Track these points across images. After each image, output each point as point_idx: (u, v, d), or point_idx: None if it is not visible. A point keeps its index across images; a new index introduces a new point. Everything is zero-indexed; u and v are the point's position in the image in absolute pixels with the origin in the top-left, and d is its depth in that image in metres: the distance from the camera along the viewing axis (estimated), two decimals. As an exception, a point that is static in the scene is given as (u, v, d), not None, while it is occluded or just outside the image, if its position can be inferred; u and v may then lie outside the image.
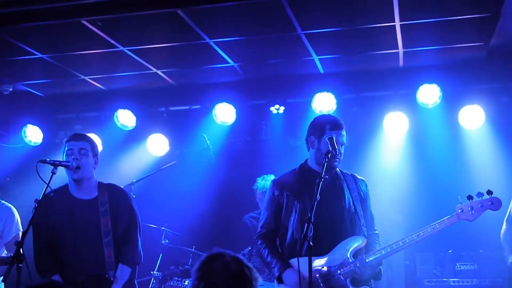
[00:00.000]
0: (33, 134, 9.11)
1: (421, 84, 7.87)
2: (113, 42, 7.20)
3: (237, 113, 8.51)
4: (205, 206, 8.60)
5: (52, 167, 4.98)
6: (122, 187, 5.75)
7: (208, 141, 8.19)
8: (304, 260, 4.30)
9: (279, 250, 5.03)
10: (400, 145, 8.32)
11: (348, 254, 4.80)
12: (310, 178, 4.91)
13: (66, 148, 5.25)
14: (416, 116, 8.11)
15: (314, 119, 5.16)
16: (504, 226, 5.79)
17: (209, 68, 8.19)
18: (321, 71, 8.26)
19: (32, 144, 9.12)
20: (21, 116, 9.09)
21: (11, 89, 8.55)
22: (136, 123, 8.87)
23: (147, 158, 8.97)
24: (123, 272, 5.24)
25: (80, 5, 6.30)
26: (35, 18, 6.53)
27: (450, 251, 7.51)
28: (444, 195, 6.71)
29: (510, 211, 5.77)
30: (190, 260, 7.77)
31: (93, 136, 7.67)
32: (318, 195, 4.39)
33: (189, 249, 7.73)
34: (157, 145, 8.93)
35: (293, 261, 4.80)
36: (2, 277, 5.45)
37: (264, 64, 8.10)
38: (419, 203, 7.95)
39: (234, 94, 8.53)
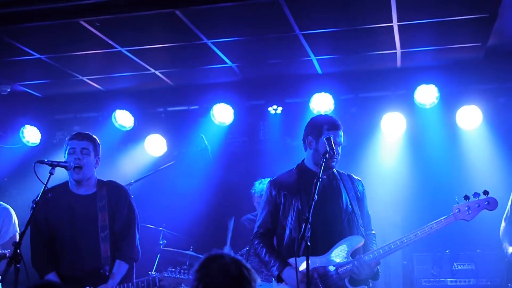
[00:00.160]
0: (31, 135, 9.10)
1: (419, 85, 7.88)
2: (111, 42, 7.20)
3: (235, 113, 8.52)
4: (203, 207, 8.60)
5: (50, 167, 4.99)
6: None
7: (206, 142, 8.18)
8: (302, 260, 4.31)
9: (276, 249, 5.03)
10: (397, 145, 8.33)
11: (346, 254, 4.81)
12: (308, 178, 4.92)
13: (68, 147, 5.25)
14: (414, 117, 8.12)
15: (312, 119, 5.16)
16: (503, 224, 5.81)
17: (207, 68, 8.20)
18: (319, 71, 8.27)
19: (30, 144, 9.11)
20: (19, 116, 9.08)
21: (9, 90, 8.54)
22: (134, 123, 8.87)
23: (145, 158, 8.97)
24: (120, 268, 5.22)
25: (78, 6, 6.31)
26: (33, 19, 6.53)
27: (447, 251, 7.52)
28: (442, 195, 6.73)
29: (508, 210, 5.79)
30: (188, 260, 7.76)
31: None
32: (315, 195, 4.40)
33: (187, 252, 7.72)
34: (155, 145, 8.93)
35: (292, 261, 4.81)
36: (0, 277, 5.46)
37: (262, 64, 8.11)
38: (417, 203, 7.97)
39: (232, 95, 8.53)
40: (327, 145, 4.77)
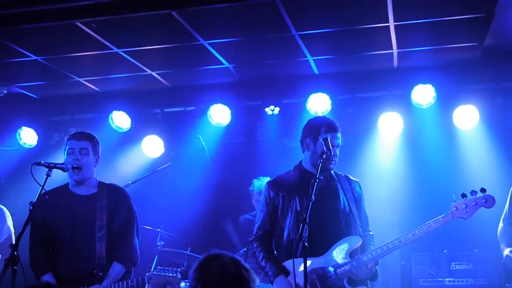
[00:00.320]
0: (27, 136, 9.08)
1: (416, 85, 7.89)
2: (107, 44, 7.20)
3: (232, 114, 8.51)
4: (201, 207, 8.59)
5: (47, 169, 4.99)
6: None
7: (203, 142, 8.18)
8: (300, 261, 4.31)
9: (274, 252, 5.02)
10: (395, 145, 8.34)
11: (345, 254, 4.81)
12: (306, 179, 4.92)
13: (67, 147, 5.26)
14: (411, 116, 8.13)
15: (309, 121, 5.15)
16: (500, 224, 5.81)
17: (204, 69, 8.19)
18: (316, 71, 8.27)
19: (26, 146, 9.09)
20: (15, 118, 9.07)
21: (5, 92, 8.53)
22: (131, 124, 8.86)
23: (142, 159, 8.96)
24: (115, 269, 5.20)
25: (75, 7, 6.31)
26: (30, 20, 6.53)
27: (445, 251, 7.52)
28: (439, 195, 6.72)
29: (506, 210, 5.79)
30: (186, 261, 7.76)
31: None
32: (313, 196, 4.39)
33: (185, 252, 7.72)
34: (152, 146, 8.93)
35: (289, 264, 4.80)
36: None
37: (258, 65, 8.11)
38: (414, 203, 7.97)
39: (229, 95, 8.53)
40: (324, 146, 4.76)
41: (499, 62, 7.71)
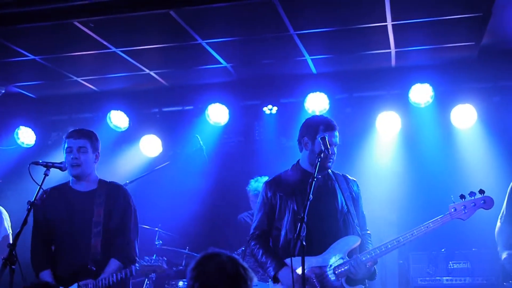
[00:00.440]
0: (25, 136, 9.07)
1: (413, 84, 7.90)
2: (105, 43, 7.19)
3: (230, 113, 8.52)
4: (199, 207, 8.60)
5: (45, 168, 4.99)
6: None
7: (201, 142, 8.18)
8: (298, 260, 4.31)
9: (273, 250, 5.02)
10: (392, 145, 8.35)
11: (343, 254, 4.81)
12: (303, 178, 4.92)
13: (65, 146, 5.26)
14: (409, 116, 8.14)
15: (307, 120, 5.15)
16: (498, 224, 5.82)
17: (201, 68, 8.19)
18: (314, 71, 8.27)
19: (24, 145, 9.08)
20: (13, 118, 9.06)
21: (3, 91, 8.53)
22: (129, 124, 8.86)
23: (140, 159, 8.95)
24: (111, 266, 5.19)
25: (72, 7, 6.30)
26: (27, 20, 6.52)
27: (443, 250, 7.52)
28: (437, 194, 6.73)
29: (504, 210, 5.80)
30: (184, 260, 7.76)
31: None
32: (311, 195, 4.40)
33: (183, 251, 7.72)
34: (150, 146, 8.92)
35: (288, 261, 4.80)
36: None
37: (256, 64, 8.11)
38: (412, 203, 7.98)
39: (227, 95, 8.53)
40: (321, 145, 4.77)
41: (497, 61, 7.72)
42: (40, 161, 5.04)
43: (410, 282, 7.59)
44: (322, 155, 4.71)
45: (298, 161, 5.16)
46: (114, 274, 5.05)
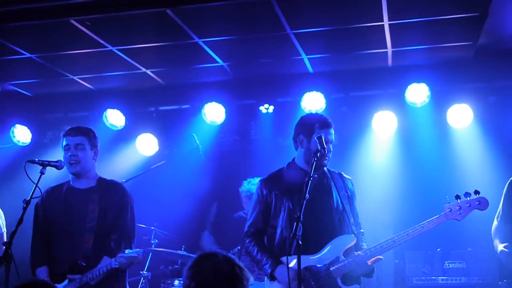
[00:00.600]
0: (21, 134, 9.06)
1: (410, 83, 7.91)
2: (102, 41, 7.18)
3: (226, 112, 8.51)
4: (195, 206, 8.59)
5: (41, 167, 4.99)
6: None
7: (197, 141, 8.18)
8: (293, 259, 4.31)
9: (268, 248, 5.02)
10: (389, 144, 8.35)
11: (339, 253, 4.81)
12: (299, 177, 4.92)
13: (63, 144, 5.26)
14: (405, 115, 8.15)
15: (302, 118, 5.14)
16: (495, 222, 5.83)
17: (198, 67, 8.19)
18: (310, 70, 8.27)
19: (20, 144, 9.07)
20: (9, 116, 9.04)
21: (-1, 89, 8.53)
22: (125, 122, 8.85)
23: (136, 158, 8.95)
24: (101, 262, 5.14)
25: (69, 5, 6.29)
26: (24, 18, 6.51)
27: (438, 249, 7.54)
28: (433, 194, 6.75)
29: (500, 209, 5.81)
30: (180, 260, 7.76)
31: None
32: (307, 194, 4.39)
33: (179, 251, 7.71)
34: (147, 144, 8.92)
35: (284, 259, 4.80)
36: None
37: (253, 63, 8.11)
38: (408, 202, 7.98)
39: (223, 94, 8.53)
40: (318, 144, 4.77)
41: (493, 61, 7.73)
42: (36, 159, 5.05)
43: (406, 282, 7.61)
44: (318, 154, 4.71)
45: (293, 159, 5.15)
46: (97, 269, 5.02)
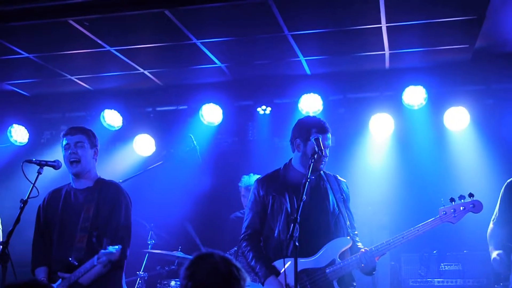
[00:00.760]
0: (18, 134, 9.06)
1: (407, 86, 7.92)
2: (100, 42, 7.19)
3: (224, 113, 8.52)
4: (192, 207, 8.58)
5: (38, 167, 4.99)
6: None
7: (194, 142, 8.17)
8: (289, 261, 4.31)
9: (263, 252, 5.00)
10: (385, 146, 8.36)
11: (335, 255, 4.81)
12: (295, 179, 4.91)
13: (64, 143, 5.26)
14: (402, 118, 8.16)
15: (299, 121, 5.09)
16: (491, 225, 5.84)
17: (196, 68, 8.20)
18: (308, 72, 8.28)
19: (17, 144, 9.06)
20: (6, 115, 9.04)
21: (-3, 89, 8.53)
22: (123, 123, 8.85)
23: (134, 158, 8.94)
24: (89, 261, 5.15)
25: (67, 5, 6.30)
26: (22, 18, 6.51)
27: (434, 251, 7.55)
28: (430, 196, 6.76)
29: (497, 212, 5.82)
30: (176, 260, 7.76)
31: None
32: (304, 196, 4.40)
33: (174, 253, 7.70)
34: (144, 145, 8.92)
35: (279, 264, 4.80)
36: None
37: (251, 65, 8.12)
38: (405, 204, 7.99)
39: (221, 95, 8.54)
40: (315, 146, 4.76)
41: (490, 64, 7.75)
42: (34, 159, 5.03)
43: (402, 284, 7.61)
44: (315, 156, 4.71)
45: (290, 160, 5.12)
46: (82, 267, 4.98)
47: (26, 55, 7.56)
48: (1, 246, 4.51)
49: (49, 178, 5.45)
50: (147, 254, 7.77)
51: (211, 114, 8.56)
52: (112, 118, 8.83)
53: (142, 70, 8.19)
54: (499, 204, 5.76)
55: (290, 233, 4.16)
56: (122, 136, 8.98)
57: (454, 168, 7.98)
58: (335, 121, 7.51)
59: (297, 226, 4.20)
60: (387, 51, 7.57)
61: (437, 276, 7.47)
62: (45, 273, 5.17)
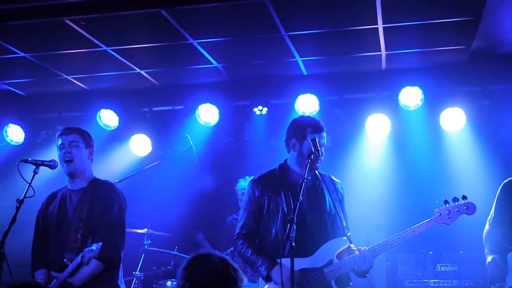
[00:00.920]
0: (14, 134, 9.05)
1: (403, 87, 7.93)
2: (96, 41, 7.18)
3: (220, 113, 8.52)
4: (188, 207, 8.58)
5: (34, 166, 4.97)
6: None
7: (191, 142, 8.16)
8: (286, 261, 4.30)
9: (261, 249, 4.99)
10: (382, 147, 8.37)
11: (332, 256, 4.81)
12: (291, 179, 4.91)
13: (59, 143, 5.25)
14: (398, 118, 8.17)
15: (294, 121, 5.06)
16: (486, 226, 5.86)
17: (192, 68, 8.19)
18: (305, 72, 8.29)
19: (13, 143, 9.05)
20: (2, 115, 9.02)
21: (-8, 88, 8.51)
22: (119, 123, 8.84)
23: (130, 158, 8.94)
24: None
25: (64, 4, 6.30)
26: (18, 17, 6.50)
27: (431, 252, 7.56)
28: (426, 197, 6.76)
29: (493, 212, 5.83)
30: (173, 261, 7.75)
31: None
32: (301, 196, 4.39)
33: (171, 252, 7.70)
34: (140, 145, 8.92)
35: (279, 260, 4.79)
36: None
37: (247, 65, 8.12)
38: (401, 205, 8.00)
39: (217, 95, 8.54)
40: (312, 146, 4.75)
41: (487, 65, 7.77)
42: (30, 159, 5.02)
43: (398, 284, 7.63)
44: (312, 156, 4.70)
45: (285, 160, 5.10)
46: (70, 266, 4.94)
47: (22, 54, 7.55)
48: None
49: (45, 178, 5.43)
50: (143, 255, 7.76)
51: (208, 114, 8.56)
52: (108, 118, 8.82)
53: (138, 70, 8.18)
54: (495, 204, 5.78)
55: (286, 233, 4.15)
56: (118, 136, 8.97)
57: (450, 169, 7.99)
58: (332, 121, 7.52)
59: (294, 226, 4.19)
60: (383, 52, 7.58)
61: (433, 276, 7.49)
62: (44, 275, 5.16)
